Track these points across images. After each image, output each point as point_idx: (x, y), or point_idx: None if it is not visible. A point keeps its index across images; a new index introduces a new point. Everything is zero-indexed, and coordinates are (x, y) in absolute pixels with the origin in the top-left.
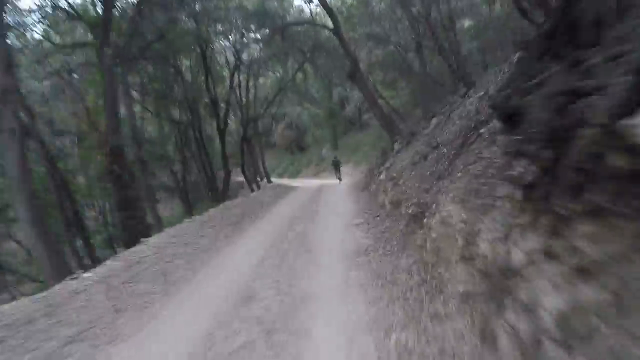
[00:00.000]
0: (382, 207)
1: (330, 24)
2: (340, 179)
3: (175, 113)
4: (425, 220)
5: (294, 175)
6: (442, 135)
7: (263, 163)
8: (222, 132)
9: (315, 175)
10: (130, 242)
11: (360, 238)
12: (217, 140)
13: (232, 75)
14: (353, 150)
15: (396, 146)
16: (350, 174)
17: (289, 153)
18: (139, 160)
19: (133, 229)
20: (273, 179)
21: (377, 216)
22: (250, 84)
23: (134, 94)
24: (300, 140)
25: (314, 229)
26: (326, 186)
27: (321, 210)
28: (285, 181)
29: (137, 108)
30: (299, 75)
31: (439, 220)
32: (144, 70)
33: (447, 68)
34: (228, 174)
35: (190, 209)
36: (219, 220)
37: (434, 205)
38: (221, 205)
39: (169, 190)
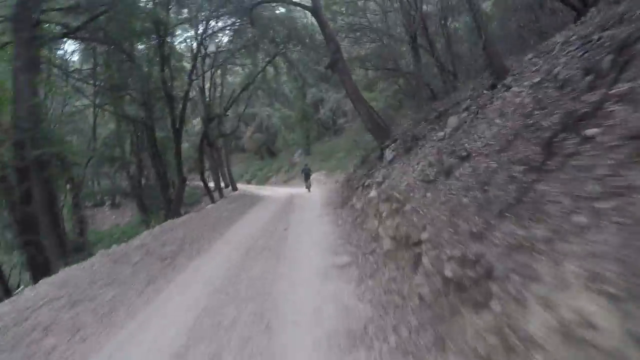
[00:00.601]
0: (376, 240)
1: (308, 2)
2: (309, 189)
3: (132, 109)
4: (494, 306)
5: (263, 181)
6: (472, 141)
7: (228, 168)
8: (177, 132)
9: (286, 182)
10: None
11: (351, 303)
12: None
13: (193, 66)
14: (327, 156)
15: (388, 153)
16: (323, 182)
17: (259, 158)
18: (36, 162)
19: (32, 260)
20: (240, 186)
21: (370, 253)
22: (218, 80)
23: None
24: (270, 144)
25: (278, 276)
26: (298, 197)
27: (291, 236)
28: (253, 188)
29: (84, 101)
30: (270, 70)
31: (551, 324)
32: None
33: (436, 65)
34: (182, 182)
35: (147, 217)
36: (144, 253)
37: (512, 277)
38: (160, 227)
39: (128, 195)
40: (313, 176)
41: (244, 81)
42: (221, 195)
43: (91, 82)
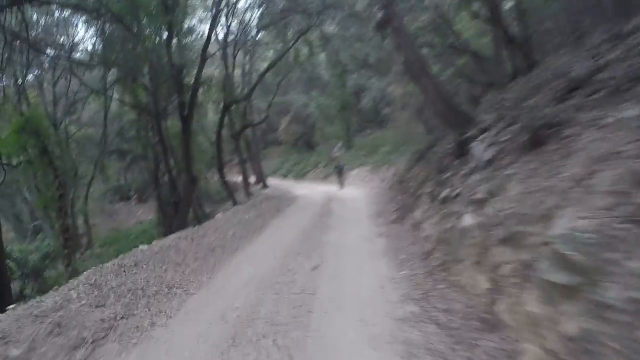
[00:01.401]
0: (492, 328)
1: None
2: (342, 186)
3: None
4: None
5: (299, 177)
6: None
7: (258, 163)
8: (185, 120)
9: (324, 178)
10: None
11: None
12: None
13: (207, 39)
14: (370, 150)
15: (480, 149)
16: (368, 179)
17: (296, 151)
18: None
19: None
20: (274, 182)
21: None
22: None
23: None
24: (308, 137)
25: None
26: (337, 200)
27: (322, 288)
28: (286, 185)
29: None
30: (303, 50)
31: None
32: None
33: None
34: (191, 183)
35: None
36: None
37: None
38: (127, 257)
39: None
40: (354, 173)
41: (272, 62)
42: (247, 194)
43: (94, 62)
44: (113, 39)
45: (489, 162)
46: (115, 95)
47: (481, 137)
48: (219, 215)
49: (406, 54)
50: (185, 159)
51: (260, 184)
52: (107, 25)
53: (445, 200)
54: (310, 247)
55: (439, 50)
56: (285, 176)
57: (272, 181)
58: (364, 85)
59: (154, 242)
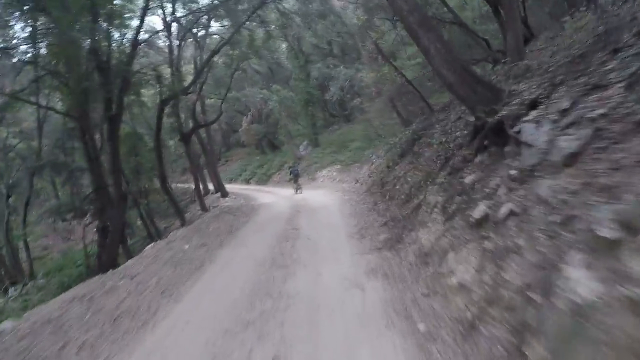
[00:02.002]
0: None
1: None
2: (299, 191)
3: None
4: None
5: (264, 180)
6: None
7: (215, 170)
8: (112, 121)
9: (290, 181)
10: None
11: None
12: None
13: (141, 21)
14: (339, 147)
15: (543, 135)
16: (338, 180)
17: (260, 152)
18: None
19: None
20: (236, 188)
21: None
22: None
23: None
24: (272, 137)
25: None
26: (305, 210)
27: None
28: (250, 191)
29: None
30: (259, 34)
31: None
32: None
33: None
34: (121, 201)
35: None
36: None
37: None
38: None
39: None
40: (324, 173)
41: (221, 43)
42: (202, 208)
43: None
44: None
45: (573, 157)
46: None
47: (533, 115)
48: (148, 249)
49: (399, 5)
50: (113, 171)
51: (219, 193)
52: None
53: (482, 224)
54: (265, 311)
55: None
56: (248, 180)
57: (234, 187)
58: (330, 74)
59: (26, 315)
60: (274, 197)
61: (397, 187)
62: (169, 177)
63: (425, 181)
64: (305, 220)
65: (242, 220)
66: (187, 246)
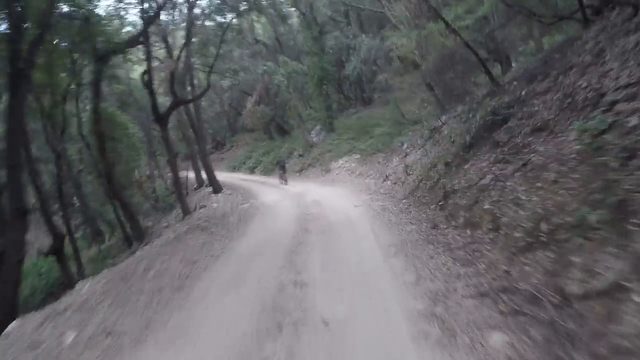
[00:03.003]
0: None
1: None
2: (285, 182)
3: None
4: None
5: (269, 170)
6: None
7: (204, 159)
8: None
9: (300, 172)
10: None
11: None
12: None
13: None
14: (358, 132)
15: None
16: (358, 175)
17: (268, 137)
18: None
19: None
20: (237, 178)
21: None
22: None
23: None
24: (280, 120)
25: None
26: (322, 226)
27: None
28: (248, 185)
29: None
30: None
31: None
32: None
33: None
34: (19, 218)
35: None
36: None
37: None
38: None
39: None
40: (339, 164)
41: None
42: (184, 211)
43: None
44: None
45: None
46: None
47: None
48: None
49: None
50: (10, 167)
51: (211, 187)
52: None
53: None
54: None
55: None
56: (253, 169)
57: (234, 178)
58: (349, 45)
59: None
60: (277, 194)
61: (486, 205)
62: (158, 168)
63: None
64: (318, 256)
65: (216, 247)
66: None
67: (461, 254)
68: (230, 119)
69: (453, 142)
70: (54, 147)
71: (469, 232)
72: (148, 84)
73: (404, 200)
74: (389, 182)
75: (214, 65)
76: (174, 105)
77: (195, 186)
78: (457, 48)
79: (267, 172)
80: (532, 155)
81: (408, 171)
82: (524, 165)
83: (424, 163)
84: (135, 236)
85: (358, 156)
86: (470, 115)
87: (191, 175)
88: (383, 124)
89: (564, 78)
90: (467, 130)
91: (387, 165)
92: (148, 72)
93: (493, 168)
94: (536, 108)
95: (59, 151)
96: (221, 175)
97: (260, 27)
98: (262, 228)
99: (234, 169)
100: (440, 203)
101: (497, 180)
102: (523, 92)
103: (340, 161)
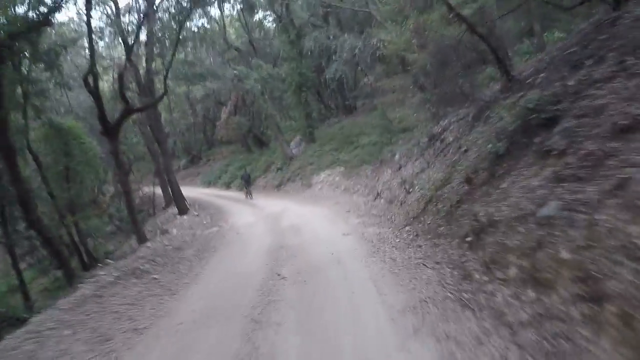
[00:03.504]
0: None
1: None
2: (250, 196)
3: None
4: None
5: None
6: None
7: (169, 175)
8: None
9: (279, 187)
10: None
11: None
12: None
13: None
14: (341, 143)
15: None
16: (343, 191)
17: (246, 150)
18: None
19: None
20: (211, 194)
21: None
22: None
23: None
24: (258, 131)
25: None
26: (302, 269)
27: None
28: (225, 200)
29: None
30: None
31: None
32: None
33: None
34: None
35: None
36: None
37: None
38: None
39: None
40: (322, 178)
41: None
42: (140, 239)
43: None
44: None
45: None
46: None
47: None
48: None
49: None
50: None
51: (176, 209)
52: None
53: None
54: None
55: None
56: (228, 185)
57: (207, 195)
58: (330, 46)
59: None
60: (251, 214)
61: (565, 255)
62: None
63: None
64: (292, 340)
65: (147, 311)
66: None
67: (530, 337)
68: (207, 132)
69: (465, 151)
70: None
71: (533, 294)
72: (93, 89)
73: (407, 228)
74: (382, 201)
75: (170, 67)
76: (125, 114)
77: (163, 205)
78: (460, 38)
79: (243, 187)
80: (630, 169)
81: (407, 188)
82: (619, 186)
83: (429, 178)
84: (84, 267)
85: (342, 169)
86: (491, 117)
87: (160, 192)
88: (369, 132)
89: (637, 59)
90: (495, 136)
91: (378, 179)
92: (92, 73)
93: (556, 190)
94: (602, 101)
95: None
96: (194, 192)
97: (233, 31)
98: (223, 270)
99: (209, 184)
100: (468, 239)
101: (572, 210)
102: (571, 83)
103: (323, 175)
